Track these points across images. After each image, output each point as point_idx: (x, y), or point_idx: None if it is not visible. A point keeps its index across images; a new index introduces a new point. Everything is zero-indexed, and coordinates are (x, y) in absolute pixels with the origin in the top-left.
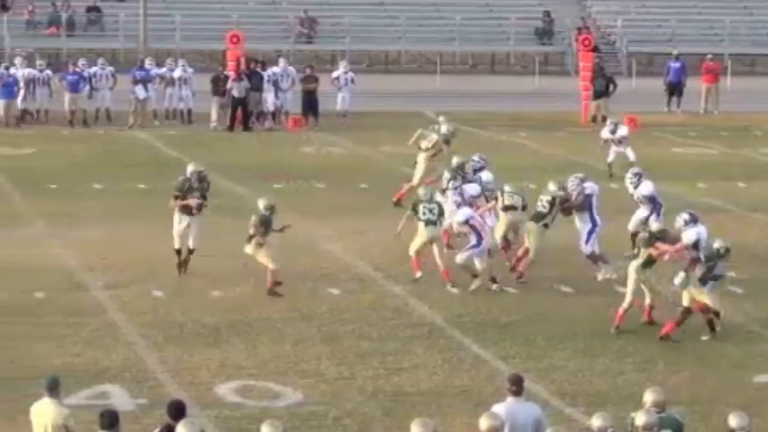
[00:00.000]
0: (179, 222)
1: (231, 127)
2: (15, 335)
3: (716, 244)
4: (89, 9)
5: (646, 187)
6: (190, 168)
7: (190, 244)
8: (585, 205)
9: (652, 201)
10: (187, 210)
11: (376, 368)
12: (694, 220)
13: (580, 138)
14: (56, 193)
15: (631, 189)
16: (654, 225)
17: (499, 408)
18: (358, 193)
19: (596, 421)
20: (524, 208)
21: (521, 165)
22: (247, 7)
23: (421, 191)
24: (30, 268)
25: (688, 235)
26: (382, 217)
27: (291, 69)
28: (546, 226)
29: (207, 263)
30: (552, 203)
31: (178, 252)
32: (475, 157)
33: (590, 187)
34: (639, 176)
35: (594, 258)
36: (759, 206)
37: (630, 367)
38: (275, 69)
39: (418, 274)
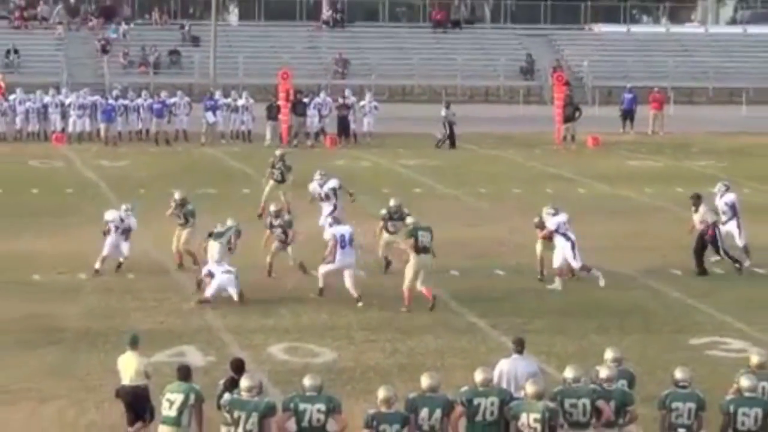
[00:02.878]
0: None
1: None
2: (115, 307)
3: None
4: (171, 52)
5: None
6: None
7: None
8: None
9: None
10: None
11: (394, 333)
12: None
13: (554, 153)
14: (145, 196)
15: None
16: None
17: (504, 362)
18: (380, 197)
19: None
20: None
21: (508, 173)
22: (294, 50)
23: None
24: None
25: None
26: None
27: (328, 99)
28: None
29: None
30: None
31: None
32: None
33: (555, 222)
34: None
35: (586, 268)
36: (690, 206)
37: (592, 333)
38: (317, 99)
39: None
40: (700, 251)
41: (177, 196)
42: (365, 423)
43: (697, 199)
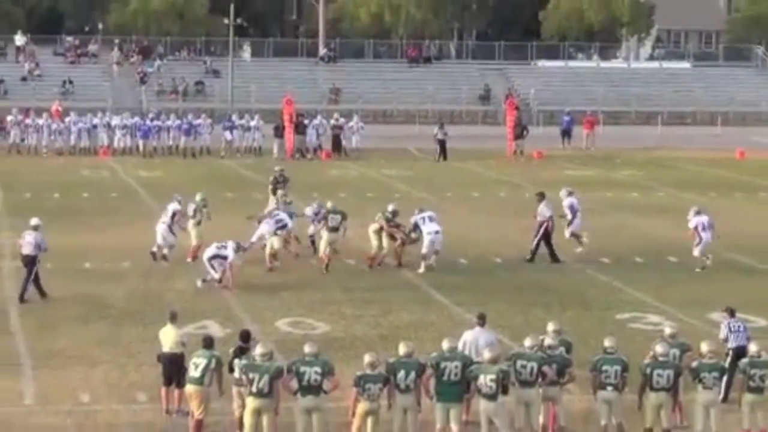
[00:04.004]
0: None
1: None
2: (152, 289)
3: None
4: (196, 83)
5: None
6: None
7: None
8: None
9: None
10: None
11: (377, 310)
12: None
13: (506, 165)
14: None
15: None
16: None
17: (468, 333)
18: (366, 200)
19: (527, 341)
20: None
21: (469, 181)
22: (297, 81)
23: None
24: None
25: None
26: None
27: (324, 121)
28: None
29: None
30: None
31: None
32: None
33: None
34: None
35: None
36: (619, 207)
37: (537, 308)
38: (315, 121)
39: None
40: (548, 242)
41: (198, 197)
42: (354, 382)
43: (540, 196)
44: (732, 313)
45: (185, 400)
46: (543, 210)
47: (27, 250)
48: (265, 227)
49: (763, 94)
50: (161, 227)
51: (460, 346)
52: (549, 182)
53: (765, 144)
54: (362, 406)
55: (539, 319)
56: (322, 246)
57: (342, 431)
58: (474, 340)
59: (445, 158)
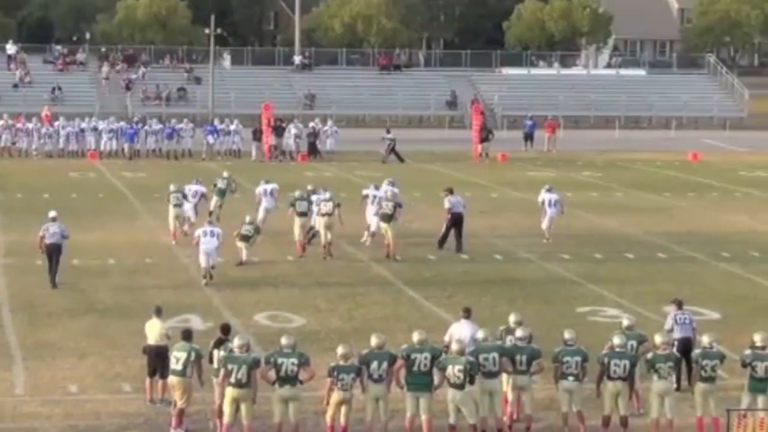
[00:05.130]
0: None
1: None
2: (137, 284)
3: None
4: (179, 89)
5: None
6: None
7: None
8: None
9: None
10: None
11: (350, 304)
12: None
13: (472, 166)
14: (158, 200)
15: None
16: None
17: (455, 325)
18: (340, 199)
19: (480, 334)
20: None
21: (437, 182)
22: (274, 88)
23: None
24: (143, 244)
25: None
26: (349, 212)
27: (300, 125)
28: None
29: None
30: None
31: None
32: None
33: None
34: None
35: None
36: (579, 206)
37: (502, 303)
38: (292, 126)
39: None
40: (457, 233)
41: (172, 187)
42: (328, 373)
43: (449, 192)
44: (680, 305)
45: (168, 391)
46: (451, 203)
47: (53, 239)
48: (265, 204)
49: (715, 100)
50: (187, 206)
51: (447, 337)
52: (512, 183)
53: (716, 147)
54: (336, 396)
55: (505, 312)
56: (296, 231)
57: (317, 420)
58: (459, 331)
59: (401, 160)
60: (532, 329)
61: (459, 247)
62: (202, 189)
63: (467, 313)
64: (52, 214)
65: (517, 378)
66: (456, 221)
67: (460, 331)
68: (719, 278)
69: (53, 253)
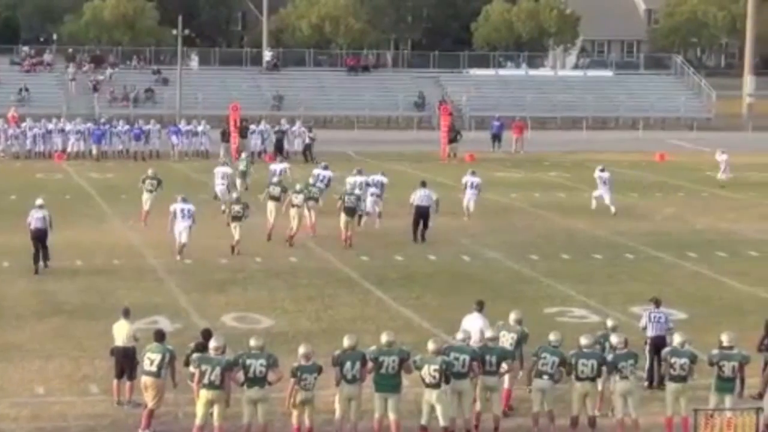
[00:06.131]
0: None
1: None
2: (104, 286)
3: None
4: (146, 90)
5: None
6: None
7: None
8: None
9: None
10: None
11: (319, 305)
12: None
13: (441, 167)
14: (126, 201)
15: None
16: None
17: (468, 318)
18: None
19: (459, 335)
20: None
21: (404, 182)
22: (241, 89)
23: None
24: (110, 245)
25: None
26: (323, 213)
27: (267, 126)
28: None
29: (219, 241)
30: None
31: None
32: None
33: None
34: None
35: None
36: (546, 207)
37: (469, 303)
38: (260, 126)
39: None
40: (423, 225)
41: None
42: (291, 373)
43: (421, 185)
44: (657, 303)
45: (136, 392)
46: (416, 197)
47: (39, 224)
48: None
49: (682, 101)
50: (220, 188)
51: (460, 334)
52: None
53: (683, 147)
54: (299, 396)
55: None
56: (342, 220)
57: (285, 420)
58: (471, 322)
59: (311, 160)
60: (526, 327)
61: (421, 236)
62: (228, 170)
63: (479, 306)
64: (38, 201)
65: (486, 379)
66: (420, 215)
67: (470, 323)
68: (686, 278)
69: (39, 238)
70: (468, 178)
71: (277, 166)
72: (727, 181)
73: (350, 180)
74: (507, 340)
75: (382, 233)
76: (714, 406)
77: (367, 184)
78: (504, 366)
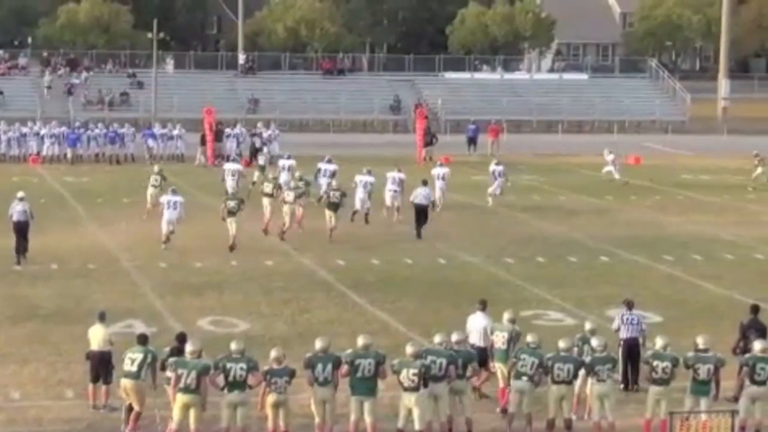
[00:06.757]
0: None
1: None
2: (79, 290)
3: None
4: (121, 93)
5: None
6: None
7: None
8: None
9: None
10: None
11: (294, 309)
12: None
13: (416, 170)
14: (101, 204)
15: None
16: None
17: (472, 317)
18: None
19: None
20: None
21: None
22: (217, 92)
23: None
24: (85, 249)
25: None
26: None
27: (243, 129)
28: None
29: (194, 245)
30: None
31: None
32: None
33: None
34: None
35: None
36: (522, 210)
37: (446, 306)
38: (236, 130)
39: None
40: (422, 221)
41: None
42: (262, 377)
43: (423, 184)
44: (630, 305)
45: (112, 396)
46: (414, 194)
47: (20, 217)
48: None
49: (657, 104)
50: (230, 182)
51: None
52: (457, 186)
53: (658, 150)
54: (270, 398)
55: (449, 316)
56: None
57: (261, 424)
58: (474, 321)
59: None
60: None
61: (418, 233)
62: (238, 167)
63: (482, 305)
64: (20, 194)
65: (455, 383)
66: (418, 212)
67: (474, 323)
68: (661, 281)
69: (20, 231)
70: (391, 174)
71: (285, 162)
72: (624, 181)
73: (358, 179)
74: (500, 339)
75: (359, 236)
76: (689, 409)
77: (371, 184)
78: (470, 369)
